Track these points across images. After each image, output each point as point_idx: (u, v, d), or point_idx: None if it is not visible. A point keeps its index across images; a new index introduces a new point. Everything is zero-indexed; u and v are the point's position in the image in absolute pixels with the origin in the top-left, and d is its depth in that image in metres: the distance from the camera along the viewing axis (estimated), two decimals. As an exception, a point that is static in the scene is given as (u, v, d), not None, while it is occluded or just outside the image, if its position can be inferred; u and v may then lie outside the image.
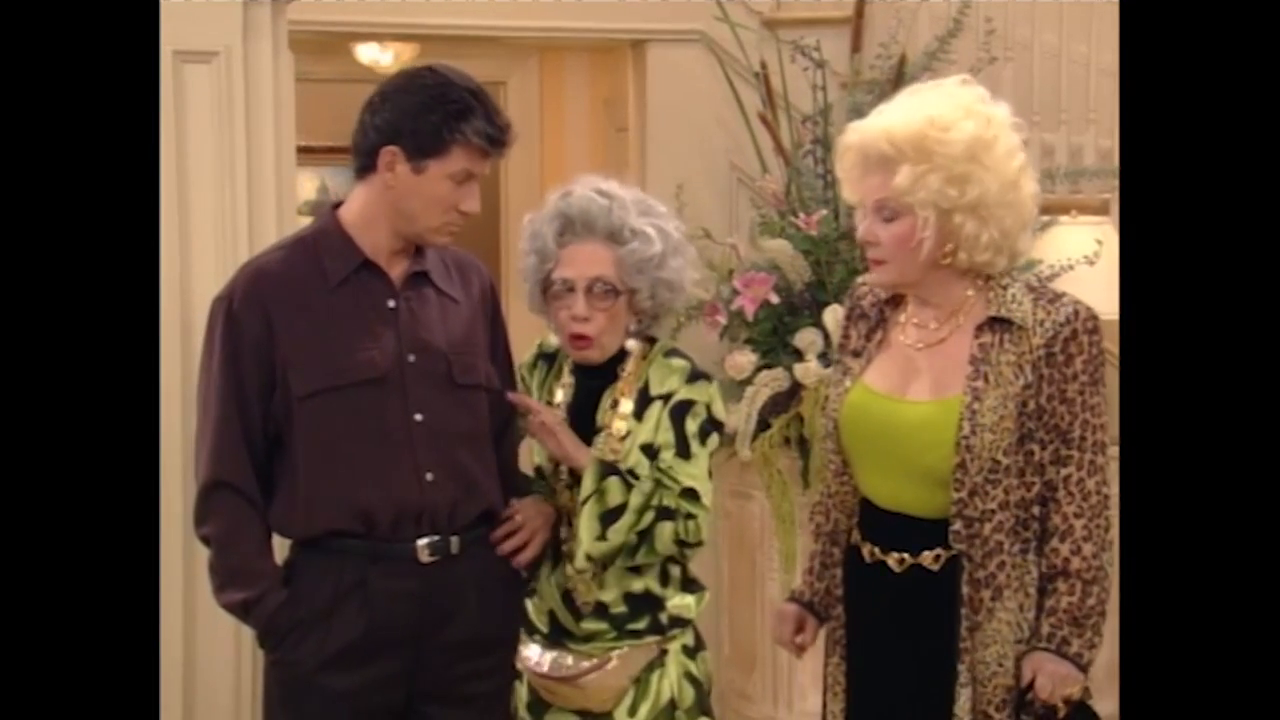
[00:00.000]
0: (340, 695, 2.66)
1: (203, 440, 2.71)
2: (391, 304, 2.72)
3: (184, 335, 3.41)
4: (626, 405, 2.83)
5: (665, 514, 2.76)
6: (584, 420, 2.85)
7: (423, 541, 2.69)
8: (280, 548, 2.77)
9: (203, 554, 2.81)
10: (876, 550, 2.64)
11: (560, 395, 2.90)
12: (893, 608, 2.63)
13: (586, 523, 2.75)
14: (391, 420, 2.68)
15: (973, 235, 2.53)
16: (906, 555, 2.60)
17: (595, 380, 2.86)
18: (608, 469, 2.76)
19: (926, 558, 2.58)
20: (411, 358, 2.70)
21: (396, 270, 2.74)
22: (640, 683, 2.84)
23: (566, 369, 2.92)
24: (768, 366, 4.17)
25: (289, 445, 2.68)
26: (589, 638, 2.84)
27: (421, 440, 2.69)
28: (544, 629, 2.87)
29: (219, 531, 2.69)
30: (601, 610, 2.83)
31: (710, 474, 2.84)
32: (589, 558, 2.77)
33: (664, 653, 2.85)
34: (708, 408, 2.83)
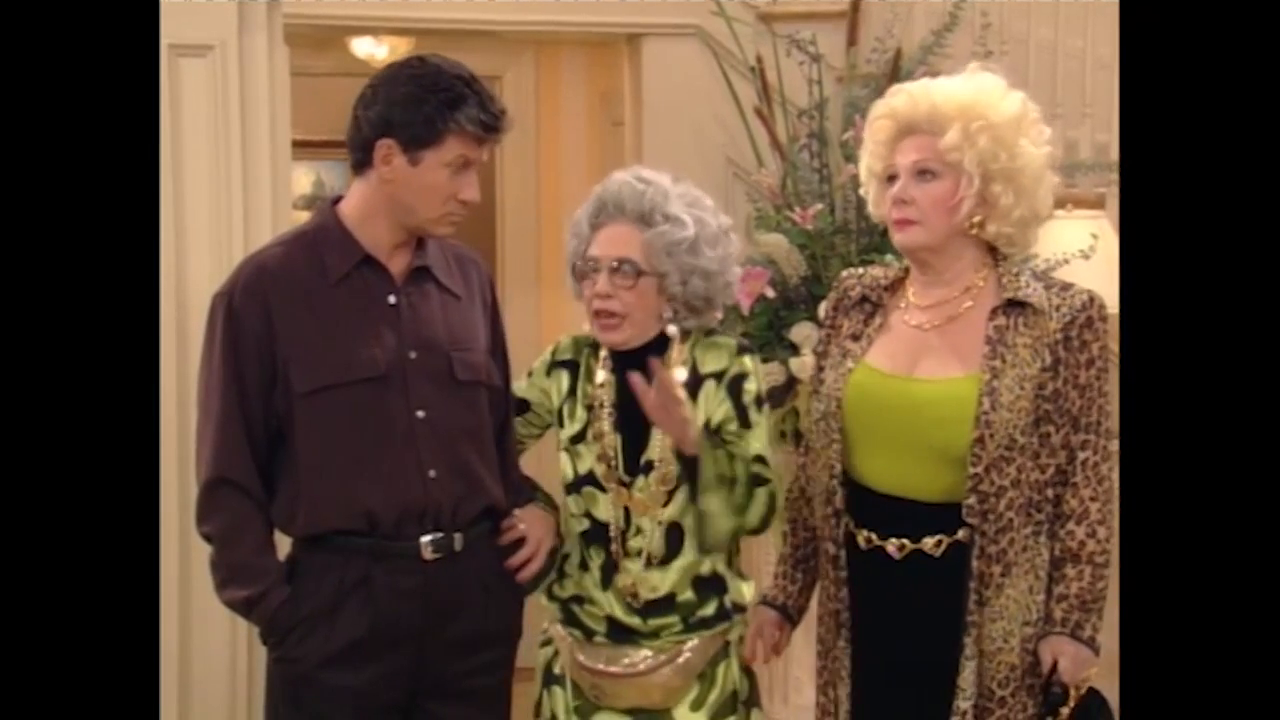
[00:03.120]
0: (343, 692, 2.66)
1: (204, 437, 2.70)
2: (392, 300, 2.71)
3: (179, 329, 3.41)
4: (679, 393, 2.79)
5: (759, 480, 2.76)
6: (635, 415, 2.77)
7: (426, 539, 2.68)
8: (282, 544, 2.76)
9: (199, 551, 2.81)
10: (873, 536, 2.64)
11: (603, 394, 2.84)
12: (891, 594, 2.64)
13: (720, 502, 2.70)
14: (393, 418, 2.67)
15: (1007, 206, 2.59)
16: (906, 541, 2.61)
17: (640, 371, 2.78)
18: (714, 442, 2.74)
19: (928, 543, 2.59)
20: (413, 355, 2.70)
21: (397, 265, 2.73)
22: (704, 676, 2.81)
23: (601, 369, 2.86)
24: (764, 361, 4.17)
25: (290, 442, 2.68)
26: (656, 633, 2.80)
27: (424, 437, 2.68)
28: (602, 630, 2.83)
29: (221, 529, 2.69)
30: (669, 602, 2.79)
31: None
32: (735, 532, 2.76)
33: (726, 644, 2.83)
34: (757, 379, 2.83)
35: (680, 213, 2.79)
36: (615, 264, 2.78)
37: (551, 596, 2.89)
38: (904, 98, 2.64)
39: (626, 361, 2.81)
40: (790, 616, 2.85)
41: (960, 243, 2.63)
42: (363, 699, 2.67)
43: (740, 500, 2.72)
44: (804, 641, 2.90)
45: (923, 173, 2.60)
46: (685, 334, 2.84)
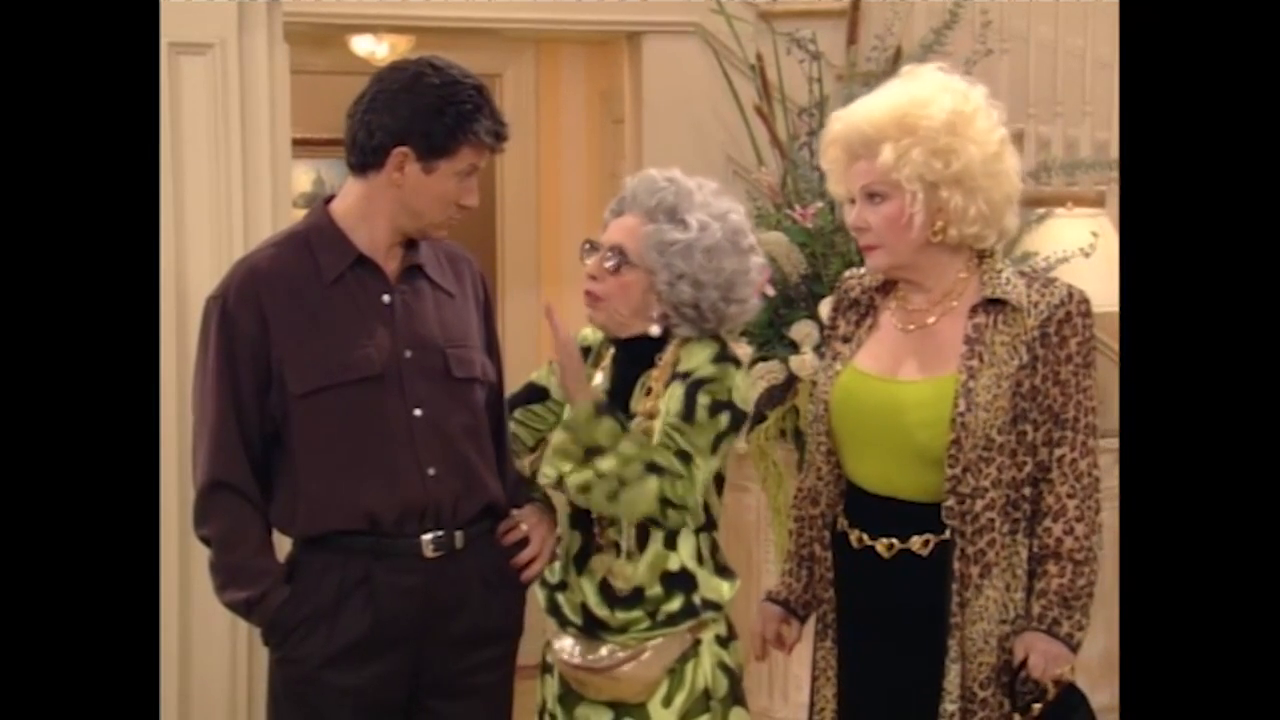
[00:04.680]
0: (345, 691, 2.66)
1: (200, 440, 2.70)
2: (386, 299, 2.71)
3: (179, 328, 3.41)
4: (659, 391, 2.80)
5: (653, 468, 2.71)
6: (620, 405, 2.82)
7: (427, 537, 2.68)
8: (282, 544, 2.76)
9: (199, 553, 2.81)
10: (864, 536, 2.66)
11: (598, 378, 2.89)
12: (881, 593, 2.65)
13: (565, 445, 2.70)
14: (391, 417, 2.67)
15: (960, 208, 2.57)
16: (895, 540, 2.62)
17: (633, 368, 2.85)
18: (604, 409, 2.73)
19: (915, 543, 2.61)
20: (408, 353, 2.70)
21: (391, 265, 2.73)
22: (675, 673, 2.80)
23: (608, 356, 2.91)
24: (763, 359, 4.17)
25: (287, 444, 2.68)
26: (624, 628, 2.80)
27: (421, 436, 2.68)
28: (577, 621, 2.84)
29: (219, 531, 2.68)
30: (637, 596, 2.79)
31: (714, 450, 2.77)
32: (560, 478, 2.73)
33: (697, 642, 2.82)
34: (728, 390, 2.78)
35: (687, 216, 2.78)
36: (609, 249, 2.81)
37: (542, 582, 2.90)
38: (841, 124, 2.65)
39: (628, 353, 2.86)
40: (795, 612, 2.85)
41: (932, 252, 2.63)
42: (365, 698, 2.67)
43: (608, 468, 2.69)
44: (804, 639, 2.91)
45: (871, 196, 2.61)
46: (685, 339, 2.84)
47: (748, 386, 2.86)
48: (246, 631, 3.43)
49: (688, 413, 2.76)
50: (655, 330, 2.83)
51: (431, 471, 2.68)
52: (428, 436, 2.69)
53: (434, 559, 2.69)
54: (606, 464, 2.70)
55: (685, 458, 2.76)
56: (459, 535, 2.71)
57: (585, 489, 2.72)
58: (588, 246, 2.87)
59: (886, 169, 2.57)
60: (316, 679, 2.66)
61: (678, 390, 2.79)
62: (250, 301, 2.66)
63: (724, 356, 2.82)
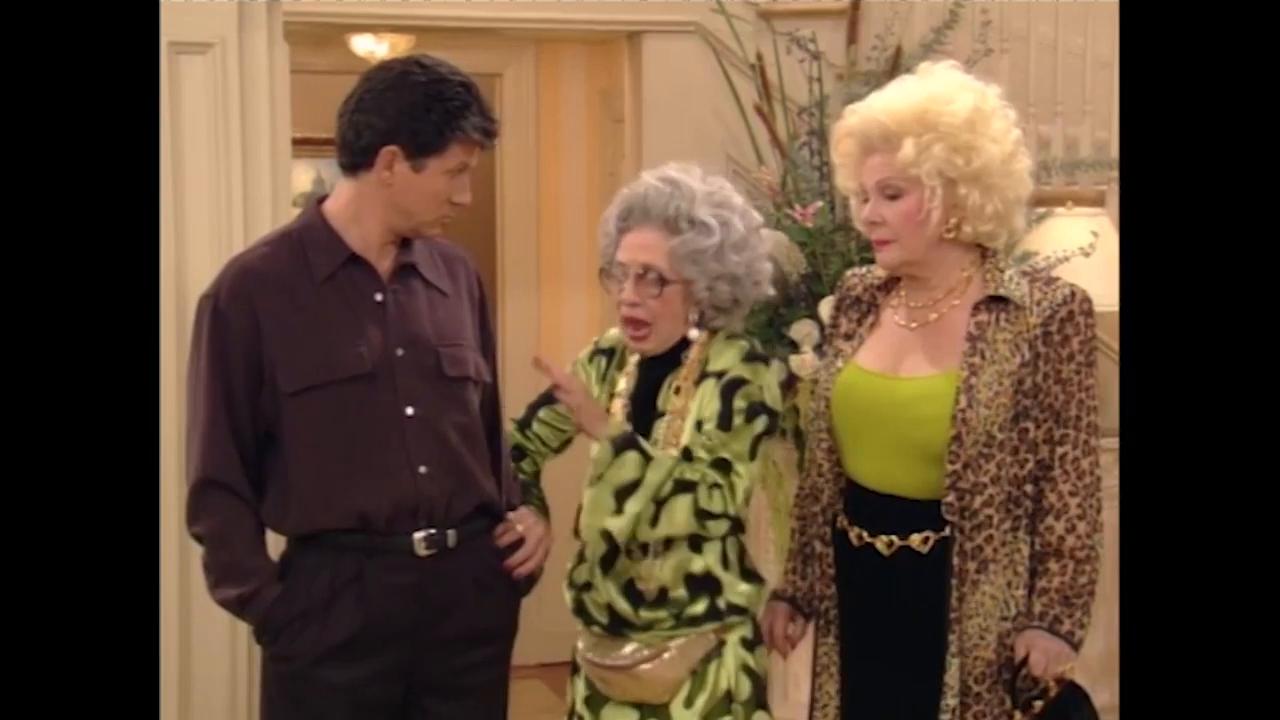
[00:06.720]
0: (338, 688, 2.66)
1: (193, 439, 2.71)
2: (379, 298, 2.71)
3: (179, 327, 3.40)
4: (688, 390, 2.78)
5: (684, 486, 2.69)
6: (646, 406, 2.81)
7: (419, 535, 2.68)
8: (275, 541, 2.76)
9: (199, 551, 2.81)
10: (864, 534, 2.67)
11: (623, 383, 2.87)
12: (881, 590, 2.66)
13: (598, 497, 2.69)
14: (382, 415, 2.67)
15: (978, 206, 2.58)
16: (895, 538, 2.63)
17: (659, 368, 2.82)
18: (624, 443, 2.70)
19: (915, 540, 2.61)
20: (400, 352, 2.70)
21: (384, 264, 2.73)
22: (697, 674, 2.78)
23: (631, 358, 2.88)
24: (763, 359, 4.17)
25: (280, 442, 2.68)
26: (648, 626, 2.78)
27: (413, 434, 2.68)
28: (603, 620, 2.82)
29: (212, 529, 2.69)
30: (661, 596, 2.77)
31: (754, 455, 2.75)
32: (606, 534, 2.72)
33: (722, 644, 2.79)
34: (761, 390, 2.76)
35: (706, 217, 2.75)
36: (641, 271, 2.78)
37: (569, 583, 2.90)
38: (857, 118, 2.65)
39: (652, 358, 2.83)
40: (801, 609, 2.86)
41: (942, 248, 2.63)
42: (358, 695, 2.67)
43: (639, 506, 2.68)
44: (804, 637, 2.91)
45: (888, 191, 2.61)
46: (712, 332, 2.82)
47: (778, 385, 2.83)
48: (246, 631, 3.42)
49: (724, 420, 2.74)
50: (694, 333, 2.81)
51: (423, 470, 2.68)
52: (419, 435, 2.69)
53: (426, 557, 2.69)
54: (635, 504, 2.69)
55: (725, 466, 2.73)
56: (451, 534, 2.71)
57: (628, 532, 2.71)
58: (618, 272, 2.81)
59: (906, 164, 2.57)
60: (309, 676, 2.66)
61: (711, 391, 2.76)
62: (242, 300, 2.67)
63: (754, 355, 2.80)
